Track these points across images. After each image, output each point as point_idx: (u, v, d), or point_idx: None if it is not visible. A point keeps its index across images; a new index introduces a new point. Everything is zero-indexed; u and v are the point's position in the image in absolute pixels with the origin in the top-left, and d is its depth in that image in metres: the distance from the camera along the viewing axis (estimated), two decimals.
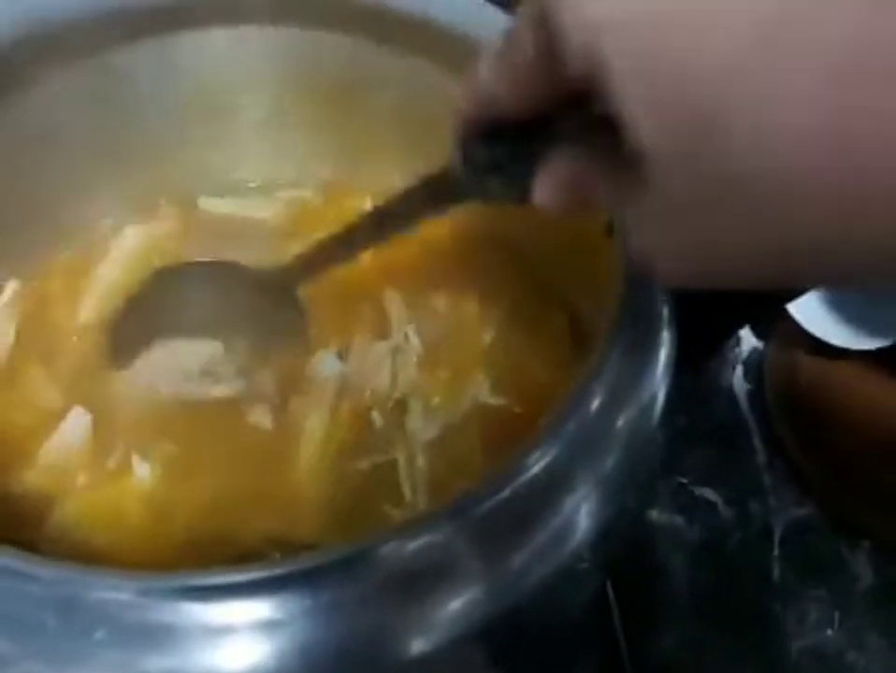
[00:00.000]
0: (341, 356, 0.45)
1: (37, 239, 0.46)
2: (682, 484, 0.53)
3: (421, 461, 0.41)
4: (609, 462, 0.30)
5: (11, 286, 0.46)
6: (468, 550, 0.26)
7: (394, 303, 0.46)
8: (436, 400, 0.43)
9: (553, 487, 0.28)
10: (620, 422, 0.31)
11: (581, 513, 0.29)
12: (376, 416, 0.43)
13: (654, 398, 0.32)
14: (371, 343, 0.45)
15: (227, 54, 0.43)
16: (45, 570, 0.25)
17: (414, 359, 0.44)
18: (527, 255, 0.47)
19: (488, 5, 0.38)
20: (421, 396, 0.43)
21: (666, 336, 0.34)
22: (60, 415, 0.41)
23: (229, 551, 0.37)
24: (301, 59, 0.44)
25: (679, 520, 0.52)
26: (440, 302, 0.46)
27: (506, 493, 0.27)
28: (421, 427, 0.42)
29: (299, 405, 0.43)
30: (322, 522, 0.39)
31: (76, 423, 0.41)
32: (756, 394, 0.58)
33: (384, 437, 0.42)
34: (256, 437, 0.42)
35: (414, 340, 0.45)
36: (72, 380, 0.43)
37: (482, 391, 0.43)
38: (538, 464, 0.28)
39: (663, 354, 0.34)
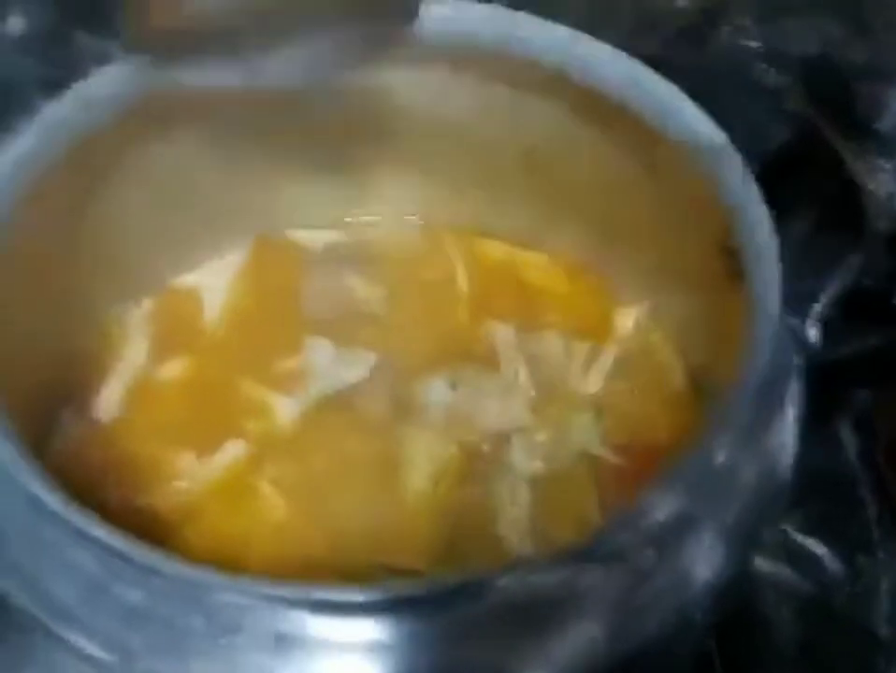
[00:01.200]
0: (452, 385, 0.45)
1: (169, 263, 0.49)
2: (787, 534, 0.52)
3: (524, 497, 0.42)
4: (734, 513, 0.30)
5: (146, 303, 0.48)
6: (587, 590, 0.27)
7: (504, 338, 0.47)
8: (541, 438, 0.44)
9: (676, 534, 0.29)
10: (748, 473, 0.31)
11: (703, 562, 0.29)
12: (482, 448, 0.43)
13: (783, 449, 0.32)
14: (481, 375, 0.46)
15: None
16: (188, 571, 0.27)
17: (522, 396, 0.45)
18: None
19: (623, 55, 0.38)
20: (527, 433, 0.44)
21: (796, 387, 0.34)
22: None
23: (340, 575, 0.38)
24: (431, 99, 0.45)
25: (784, 571, 0.51)
26: (551, 341, 0.47)
27: (630, 536, 0.27)
28: (525, 463, 0.43)
29: (408, 431, 0.44)
30: (426, 550, 0.40)
31: (229, 451, 0.42)
32: (865, 444, 0.56)
33: (489, 470, 0.43)
34: (367, 462, 0.43)
35: (524, 377, 0.45)
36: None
37: (590, 435, 0.43)
38: (662, 510, 0.28)
39: (793, 405, 0.34)
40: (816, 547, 0.52)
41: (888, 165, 0.31)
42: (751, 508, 0.31)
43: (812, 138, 0.33)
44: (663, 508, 0.28)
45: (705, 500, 0.30)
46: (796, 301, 0.33)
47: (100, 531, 0.27)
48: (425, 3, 0.39)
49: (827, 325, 0.35)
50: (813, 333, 0.35)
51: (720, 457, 0.30)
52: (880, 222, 0.32)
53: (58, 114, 0.37)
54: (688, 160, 0.38)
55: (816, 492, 0.54)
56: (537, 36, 0.40)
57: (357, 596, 0.25)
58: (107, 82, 0.39)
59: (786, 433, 0.34)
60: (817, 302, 0.34)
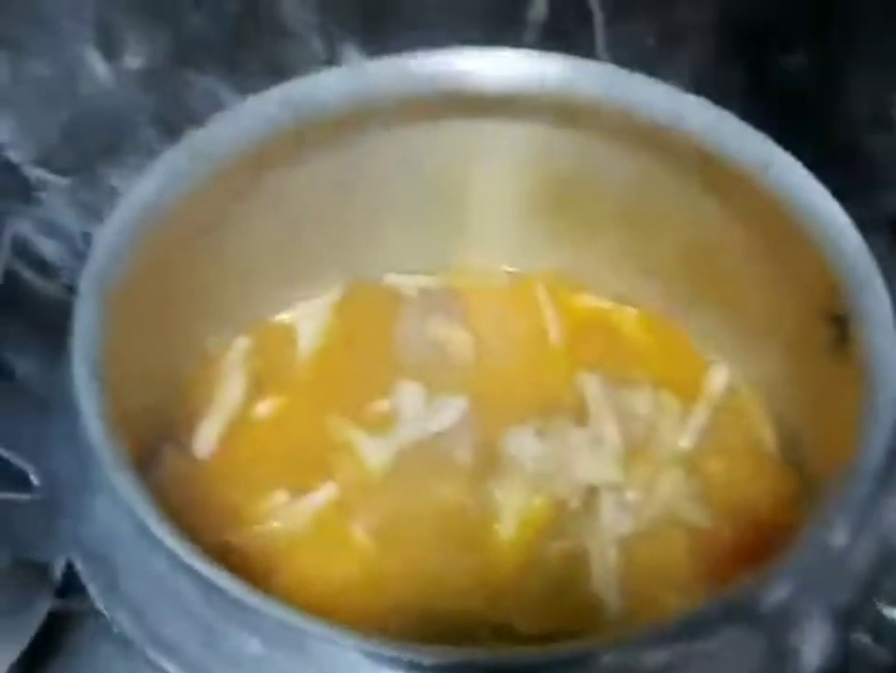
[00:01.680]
0: (540, 437, 0.45)
1: (267, 301, 0.50)
2: (873, 605, 0.51)
3: (613, 556, 0.42)
4: (845, 597, 0.30)
5: (242, 342, 0.49)
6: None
7: (594, 391, 0.47)
8: (631, 496, 0.43)
9: (784, 620, 0.29)
10: (861, 556, 0.31)
11: (810, 647, 0.29)
12: (571, 503, 0.43)
13: (893, 529, 0.32)
14: (569, 427, 0.46)
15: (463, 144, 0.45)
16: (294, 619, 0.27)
17: (612, 451, 0.45)
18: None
19: (730, 117, 0.38)
20: (615, 490, 0.44)
21: None
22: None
23: (430, 625, 0.39)
24: (533, 153, 0.46)
25: (867, 640, 0.50)
26: (641, 397, 0.47)
27: (736, 621, 0.27)
28: (614, 521, 0.43)
29: (497, 482, 0.44)
30: (515, 602, 0.40)
31: (320, 494, 0.43)
32: None
33: (578, 526, 0.43)
34: (456, 510, 0.43)
35: (612, 432, 0.45)
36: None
37: (679, 496, 0.43)
38: (772, 596, 0.28)
39: None
40: None
41: None
42: (862, 590, 0.31)
43: None
44: (775, 591, 0.28)
45: (818, 584, 0.30)
46: None
47: (207, 569, 0.28)
48: (539, 57, 0.40)
49: None
50: None
51: (837, 540, 0.30)
52: None
53: (174, 163, 0.39)
54: (795, 223, 0.38)
55: None
56: (646, 96, 0.40)
57: (478, 657, 0.26)
58: (220, 130, 0.40)
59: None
60: None
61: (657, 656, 0.26)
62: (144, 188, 0.38)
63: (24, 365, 0.43)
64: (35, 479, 0.41)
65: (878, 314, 0.34)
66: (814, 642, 0.29)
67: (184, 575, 0.28)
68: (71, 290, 0.35)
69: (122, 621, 0.30)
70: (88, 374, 0.31)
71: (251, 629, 0.28)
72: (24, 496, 0.41)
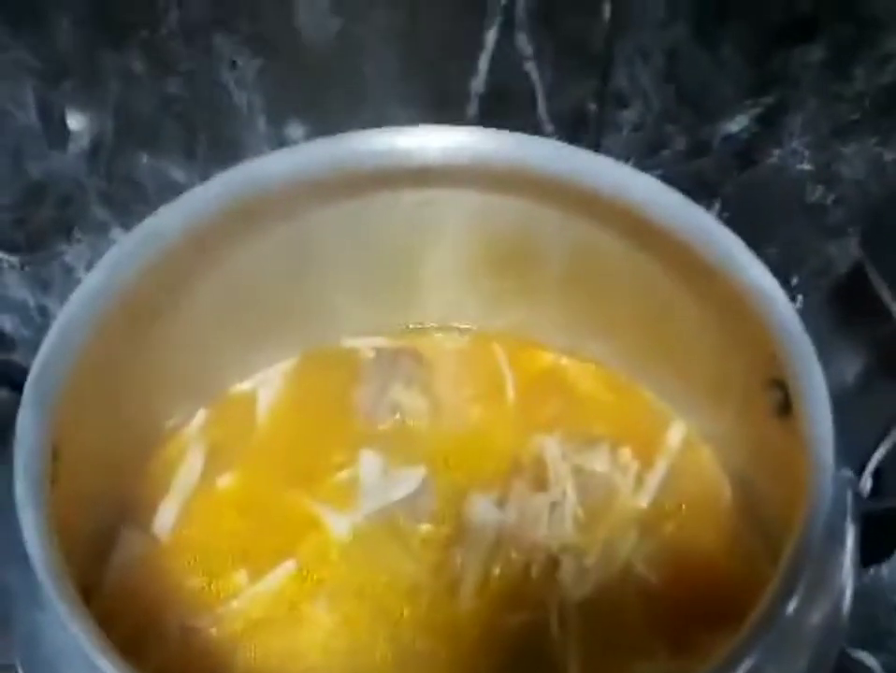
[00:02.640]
0: (500, 504, 0.46)
1: (224, 372, 0.50)
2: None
3: (574, 620, 0.42)
4: (801, 663, 0.31)
5: (200, 415, 0.49)
6: None
7: (552, 453, 0.47)
8: (590, 560, 0.44)
9: None
10: (814, 622, 0.32)
11: None
12: (531, 571, 0.44)
13: (843, 592, 0.32)
14: (529, 493, 0.46)
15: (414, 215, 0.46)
16: None
17: (571, 515, 0.45)
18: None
19: (671, 191, 0.39)
20: (575, 554, 0.44)
21: (852, 525, 0.34)
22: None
23: None
24: (480, 220, 0.46)
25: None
26: (599, 456, 0.47)
27: None
28: (574, 586, 0.43)
29: (457, 551, 0.44)
30: None
31: (280, 572, 0.43)
32: None
33: (537, 593, 0.43)
34: (417, 583, 0.44)
35: (572, 496, 0.45)
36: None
37: (636, 558, 0.43)
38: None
39: (850, 544, 0.34)
40: (867, 659, 0.52)
41: None
42: (817, 652, 0.32)
43: (862, 280, 0.33)
44: (743, 667, 0.28)
45: (776, 653, 0.30)
46: (850, 451, 0.33)
47: None
48: (481, 134, 0.40)
49: (879, 477, 0.35)
50: (867, 484, 0.35)
51: (790, 609, 0.30)
52: None
53: (124, 251, 0.39)
54: (735, 294, 0.38)
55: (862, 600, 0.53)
56: (587, 167, 0.41)
57: None
58: (170, 217, 0.40)
59: (845, 576, 0.34)
60: (874, 453, 0.34)
61: None
62: (94, 280, 0.38)
63: None
64: None
65: (813, 385, 0.34)
66: None
67: None
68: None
69: None
70: (28, 493, 0.31)
71: None
72: None
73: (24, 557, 0.30)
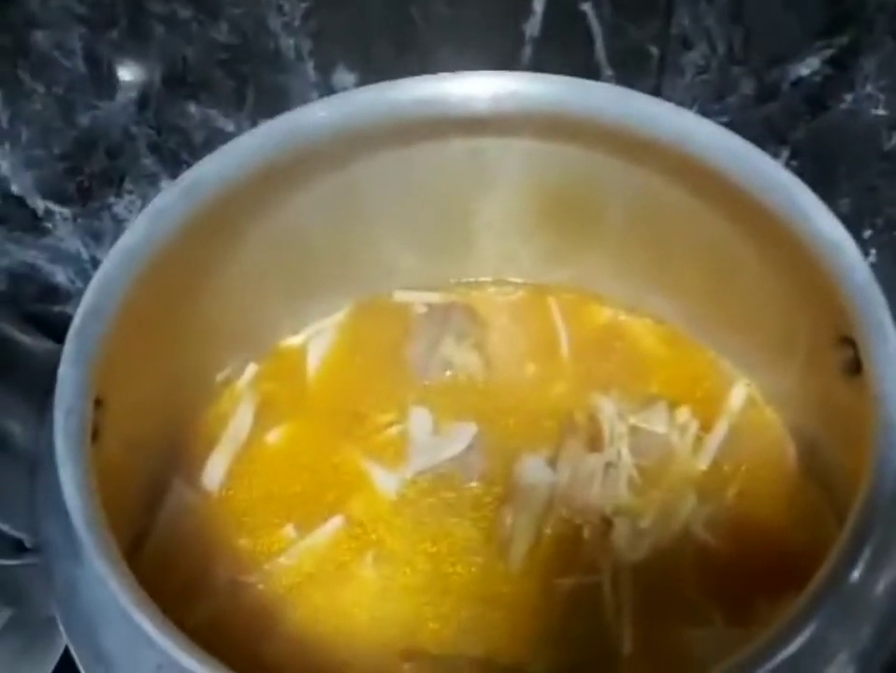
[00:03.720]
0: (552, 464, 0.44)
1: (276, 326, 0.49)
2: None
3: (627, 584, 0.41)
4: (866, 632, 0.29)
5: (251, 368, 0.49)
6: None
7: (607, 413, 0.46)
8: (645, 522, 0.42)
9: (809, 664, 0.28)
10: (879, 589, 0.30)
11: None
12: (584, 531, 0.42)
13: None
14: (583, 453, 0.45)
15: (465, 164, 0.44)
16: None
17: (626, 476, 0.44)
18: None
19: (735, 137, 0.37)
20: (629, 516, 0.43)
21: None
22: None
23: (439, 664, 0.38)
24: (534, 169, 0.44)
25: None
26: (656, 416, 0.45)
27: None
28: (628, 549, 0.42)
29: (508, 511, 0.43)
30: (528, 638, 0.40)
31: (329, 527, 0.43)
32: None
33: (590, 555, 0.42)
34: (467, 542, 0.43)
35: (627, 457, 0.44)
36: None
37: (695, 521, 0.42)
38: (797, 641, 0.27)
39: None
40: None
41: None
42: (884, 620, 0.30)
43: None
44: (799, 637, 0.27)
45: (840, 620, 0.29)
46: None
47: (191, 661, 0.27)
48: (535, 80, 0.38)
49: None
50: None
51: (856, 574, 0.29)
52: None
53: (167, 203, 0.38)
54: (803, 246, 0.36)
55: None
56: (648, 114, 0.39)
57: None
58: (216, 166, 0.39)
59: None
60: None
61: None
62: (134, 233, 0.37)
63: (15, 426, 0.43)
64: (28, 544, 0.41)
65: (884, 341, 0.32)
66: None
67: (164, 660, 0.28)
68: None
69: None
70: (68, 449, 0.31)
71: None
72: (22, 561, 0.42)
73: (65, 512, 0.30)
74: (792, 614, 0.28)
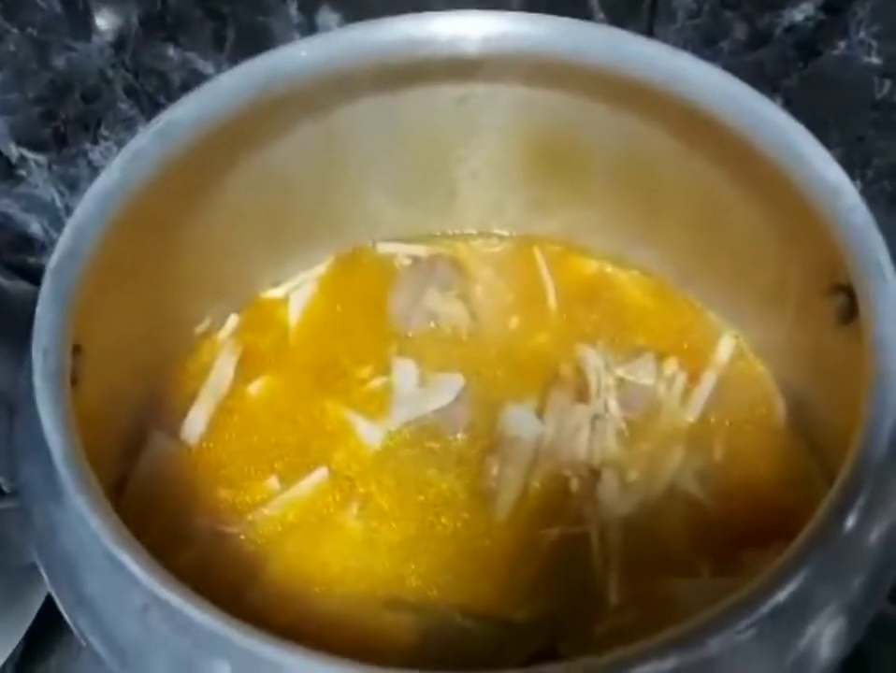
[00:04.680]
0: (539, 415, 0.44)
1: (257, 277, 0.48)
2: None
3: (615, 537, 0.40)
4: (856, 584, 0.29)
5: (232, 319, 0.48)
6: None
7: (594, 365, 0.45)
8: (633, 475, 0.42)
9: (798, 614, 0.28)
10: (871, 541, 0.30)
11: (823, 640, 0.28)
12: (571, 484, 0.42)
13: None
14: (569, 404, 0.44)
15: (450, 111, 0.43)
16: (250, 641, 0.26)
17: (613, 429, 0.43)
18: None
19: (730, 78, 0.36)
20: (617, 469, 0.42)
21: None
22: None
23: (422, 617, 0.38)
24: (523, 116, 0.44)
25: (891, 609, 0.49)
26: (644, 368, 0.45)
27: (749, 621, 0.26)
28: (616, 502, 0.41)
29: (494, 462, 0.43)
30: (512, 591, 0.39)
31: (313, 479, 0.42)
32: None
33: (577, 507, 0.42)
34: (451, 494, 0.42)
35: (614, 409, 0.44)
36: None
37: (683, 474, 0.41)
38: (785, 590, 0.27)
39: None
40: None
41: None
42: (875, 576, 0.30)
43: None
44: (787, 587, 0.26)
45: (830, 571, 0.28)
46: None
47: (174, 597, 0.27)
48: (527, 19, 0.37)
49: None
50: None
51: (850, 525, 0.29)
52: None
53: (144, 145, 0.37)
54: (799, 191, 0.35)
55: None
56: (642, 55, 0.38)
57: None
58: (194, 107, 0.38)
59: None
60: None
61: (676, 661, 0.25)
62: (110, 175, 0.36)
63: None
64: (6, 488, 0.40)
65: (884, 284, 0.32)
66: (828, 638, 0.28)
67: (150, 600, 0.27)
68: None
69: (90, 636, 0.29)
70: (46, 386, 0.30)
71: (219, 655, 0.26)
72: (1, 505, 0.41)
73: (45, 452, 0.29)
74: (780, 564, 0.28)
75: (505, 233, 0.51)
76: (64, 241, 0.33)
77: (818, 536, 0.28)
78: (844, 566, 0.29)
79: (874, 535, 0.30)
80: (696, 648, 0.26)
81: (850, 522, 0.29)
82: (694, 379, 0.45)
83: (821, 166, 0.34)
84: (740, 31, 0.44)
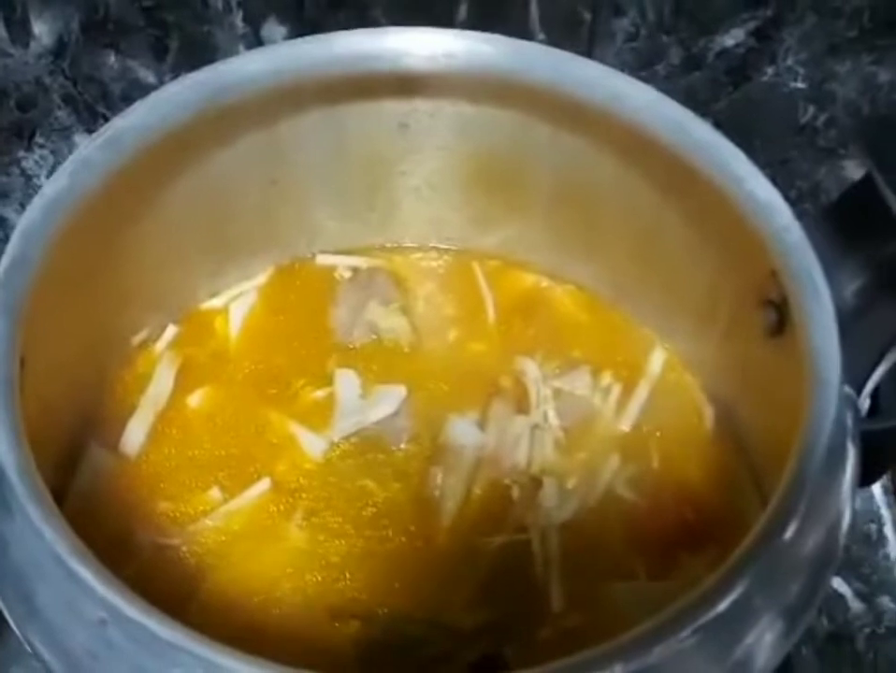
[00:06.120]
0: (480, 426, 0.45)
1: (196, 288, 0.48)
2: None
3: (555, 542, 0.42)
4: (794, 590, 0.30)
5: (171, 330, 0.47)
6: None
7: (533, 375, 0.46)
8: (572, 482, 0.43)
9: (738, 621, 0.28)
10: (808, 548, 0.31)
11: (762, 645, 0.29)
12: (512, 491, 0.43)
13: (841, 516, 0.32)
14: (510, 414, 0.45)
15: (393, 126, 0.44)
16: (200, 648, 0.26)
17: (552, 438, 0.44)
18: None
19: (666, 98, 0.37)
20: (556, 476, 0.43)
21: (851, 449, 0.34)
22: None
23: (368, 624, 0.38)
24: (465, 133, 0.45)
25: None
26: (580, 379, 0.46)
27: (692, 628, 0.27)
28: (555, 508, 0.42)
29: (437, 472, 0.43)
30: (458, 597, 0.40)
31: (255, 490, 0.42)
32: (890, 484, 0.56)
33: (519, 515, 0.43)
34: (395, 504, 0.43)
35: (553, 419, 0.45)
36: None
37: (619, 480, 0.43)
38: (727, 599, 0.28)
39: (850, 466, 0.33)
40: (840, 586, 0.52)
41: None
42: (812, 579, 0.31)
43: (863, 189, 0.32)
44: (728, 596, 0.27)
45: (769, 578, 0.29)
46: (848, 371, 0.32)
47: (126, 605, 0.26)
48: (469, 37, 0.38)
49: (877, 397, 0.34)
50: (865, 404, 0.34)
51: (789, 534, 0.30)
52: None
53: (88, 155, 0.37)
54: (733, 208, 0.37)
55: None
56: (582, 75, 0.39)
57: None
58: (138, 118, 0.38)
59: (844, 499, 0.33)
60: (872, 373, 0.33)
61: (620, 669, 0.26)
62: (59, 181, 0.36)
63: None
64: None
65: (817, 298, 0.33)
66: (764, 645, 0.29)
67: (106, 611, 0.27)
68: None
69: (42, 649, 0.29)
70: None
71: (177, 665, 0.26)
72: None
73: None
74: (722, 573, 0.29)
75: (444, 247, 0.51)
76: (12, 249, 0.33)
77: (759, 545, 0.29)
78: (782, 574, 0.30)
79: (811, 542, 0.31)
80: (640, 656, 0.27)
81: (790, 530, 0.30)
82: (628, 389, 0.46)
83: (755, 186, 0.35)
84: (675, 55, 0.46)
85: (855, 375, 0.34)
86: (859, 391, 0.34)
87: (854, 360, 0.33)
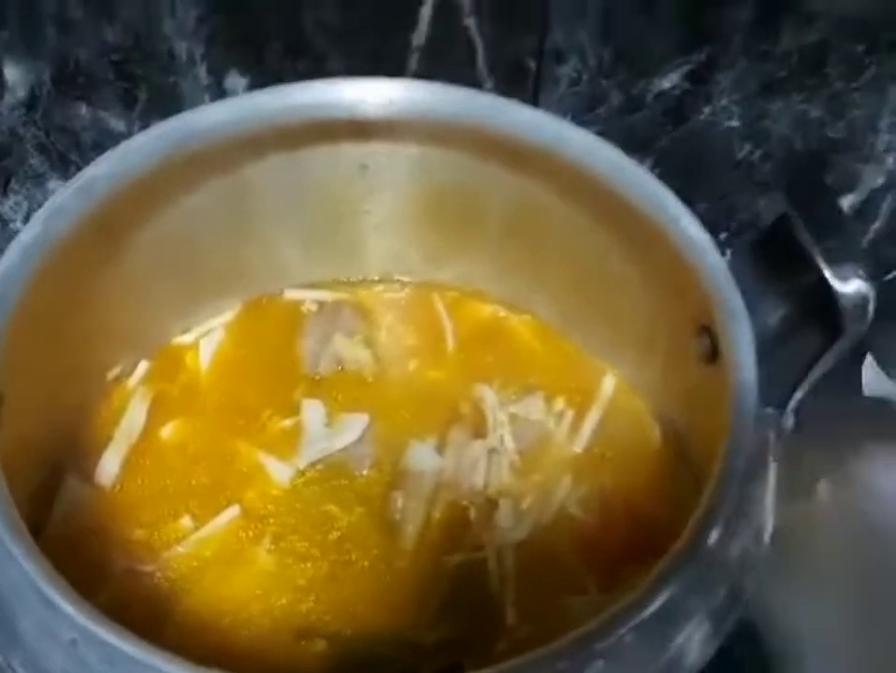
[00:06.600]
0: (439, 451, 0.47)
1: (167, 325, 0.50)
2: None
3: (510, 560, 0.44)
4: (721, 593, 0.33)
5: (143, 366, 0.49)
6: None
7: (490, 402, 0.49)
8: (526, 503, 0.45)
9: (667, 623, 0.31)
10: (733, 553, 0.33)
11: (692, 645, 0.31)
12: (470, 513, 0.45)
13: (763, 526, 0.34)
14: (468, 441, 0.47)
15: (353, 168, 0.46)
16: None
17: (508, 461, 0.47)
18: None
19: (606, 144, 0.40)
20: (512, 498, 0.46)
21: (773, 463, 0.36)
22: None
23: (333, 645, 0.40)
24: (420, 173, 0.47)
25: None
26: (535, 405, 0.49)
27: (623, 631, 0.29)
28: (511, 528, 0.45)
29: (398, 497, 0.46)
30: (415, 614, 0.42)
31: (225, 517, 0.44)
32: None
33: (476, 534, 0.45)
34: (358, 527, 0.45)
35: (509, 443, 0.47)
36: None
37: (571, 500, 0.45)
38: (657, 602, 0.30)
39: (772, 479, 0.36)
40: None
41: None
42: (737, 585, 0.34)
43: (785, 232, 0.35)
44: (658, 599, 0.30)
45: (698, 583, 0.32)
46: (777, 388, 0.35)
47: (102, 630, 0.28)
48: (420, 86, 0.41)
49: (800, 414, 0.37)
50: (790, 420, 0.37)
51: (711, 540, 0.32)
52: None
53: (62, 202, 0.39)
54: (671, 248, 0.39)
55: None
56: (527, 122, 0.41)
57: None
58: (109, 166, 0.40)
59: (766, 510, 0.36)
60: (795, 392, 0.36)
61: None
62: (32, 229, 0.38)
63: None
64: None
65: (740, 334, 0.36)
66: (693, 646, 0.31)
67: (79, 634, 0.29)
68: None
69: (18, 666, 0.31)
70: None
71: None
72: None
73: None
74: (653, 578, 0.31)
75: (406, 280, 0.54)
76: None
77: (686, 552, 0.32)
78: (709, 577, 0.33)
79: (736, 547, 0.34)
80: (582, 654, 0.29)
81: (714, 537, 0.32)
82: (581, 414, 0.49)
83: (688, 226, 0.38)
84: (615, 98, 0.49)
85: (780, 393, 0.36)
86: (783, 407, 0.37)
87: (779, 380, 0.36)
